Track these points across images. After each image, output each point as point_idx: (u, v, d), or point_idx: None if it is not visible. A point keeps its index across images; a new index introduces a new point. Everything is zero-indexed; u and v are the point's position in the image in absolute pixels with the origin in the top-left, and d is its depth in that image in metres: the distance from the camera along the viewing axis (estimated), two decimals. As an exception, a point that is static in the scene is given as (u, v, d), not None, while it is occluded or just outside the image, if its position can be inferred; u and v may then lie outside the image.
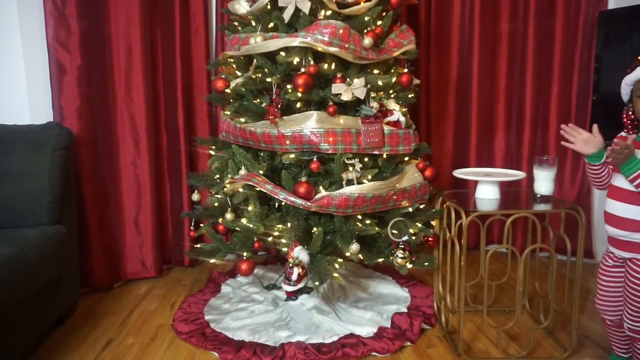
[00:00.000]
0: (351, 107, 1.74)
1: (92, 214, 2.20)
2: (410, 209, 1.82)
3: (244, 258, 1.74)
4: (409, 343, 1.71)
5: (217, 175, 1.95)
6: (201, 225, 2.00)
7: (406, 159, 1.86)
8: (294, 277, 1.62)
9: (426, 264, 1.75)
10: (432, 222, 1.84)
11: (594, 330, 1.81)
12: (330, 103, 1.68)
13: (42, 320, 1.68)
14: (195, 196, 2.08)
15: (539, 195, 1.69)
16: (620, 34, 2.32)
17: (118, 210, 2.31)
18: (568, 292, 1.64)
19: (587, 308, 2.00)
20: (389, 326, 1.78)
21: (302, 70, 1.65)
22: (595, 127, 1.38)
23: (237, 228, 1.77)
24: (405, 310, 1.91)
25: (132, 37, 2.22)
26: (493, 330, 1.78)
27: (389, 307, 1.93)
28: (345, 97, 1.65)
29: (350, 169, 1.68)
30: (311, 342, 1.67)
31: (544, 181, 1.68)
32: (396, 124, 1.76)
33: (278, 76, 1.70)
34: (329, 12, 1.70)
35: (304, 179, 1.66)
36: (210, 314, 1.92)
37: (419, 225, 1.79)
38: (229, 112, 1.91)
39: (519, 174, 1.76)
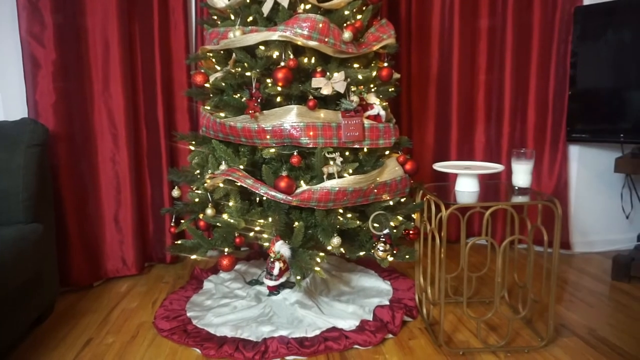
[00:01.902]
0: (331, 101, 1.74)
1: (70, 211, 2.15)
2: (391, 203, 1.83)
3: (226, 253, 1.74)
4: (390, 335, 1.73)
5: (198, 171, 1.93)
6: (182, 221, 1.98)
7: (387, 152, 1.88)
8: (276, 271, 1.62)
9: (407, 256, 1.77)
10: (412, 215, 1.86)
11: (570, 319, 1.85)
12: (311, 97, 1.68)
13: (20, 320, 1.65)
14: (176, 192, 2.06)
15: (517, 188, 1.72)
16: (595, 30, 2.36)
17: (97, 207, 2.27)
18: (545, 283, 1.68)
19: (563, 298, 2.05)
20: (371, 319, 1.79)
21: (282, 64, 1.65)
22: None
23: (218, 224, 1.76)
24: (387, 302, 1.92)
25: (109, 31, 2.18)
26: (473, 321, 1.81)
27: (371, 300, 1.95)
28: (326, 91, 1.65)
29: (331, 162, 1.68)
30: (294, 336, 1.68)
31: (521, 174, 1.71)
32: (376, 117, 1.77)
33: (257, 70, 1.69)
34: (308, 6, 1.70)
35: (284, 174, 1.66)
36: (192, 311, 1.91)
37: (400, 218, 1.80)
38: (208, 107, 1.90)
39: (497, 167, 1.79)
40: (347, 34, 1.68)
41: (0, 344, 1.50)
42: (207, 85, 1.84)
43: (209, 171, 1.79)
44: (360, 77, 1.74)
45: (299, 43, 1.64)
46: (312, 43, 1.63)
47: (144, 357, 1.62)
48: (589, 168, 2.61)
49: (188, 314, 1.88)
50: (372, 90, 1.84)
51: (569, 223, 2.61)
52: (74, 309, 2.02)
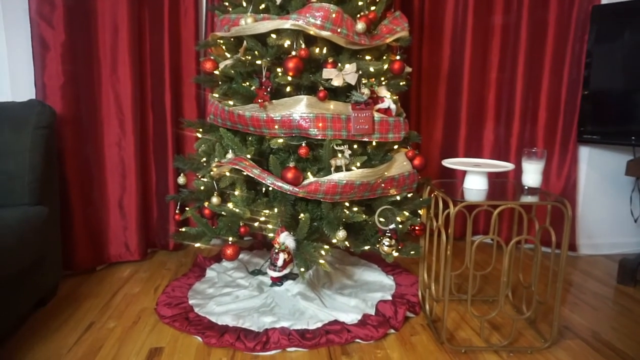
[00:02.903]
0: (342, 93, 1.72)
1: (75, 195, 2.15)
2: (398, 198, 1.81)
3: (230, 243, 1.73)
4: (392, 330, 1.72)
5: (204, 159, 1.92)
6: (187, 208, 1.97)
7: (395, 147, 1.86)
8: (280, 262, 1.61)
9: (412, 252, 1.75)
10: (419, 211, 1.84)
11: (574, 321, 1.83)
12: (321, 88, 1.66)
13: (23, 302, 1.65)
14: (181, 179, 2.05)
15: (526, 187, 1.70)
16: (612, 30, 2.32)
17: (102, 192, 2.27)
18: (551, 284, 1.66)
19: (568, 300, 2.03)
20: (373, 313, 1.78)
21: (293, 53, 1.62)
22: None
23: (223, 212, 1.75)
24: (390, 298, 1.91)
25: (119, 15, 2.15)
26: (476, 319, 1.80)
27: (373, 294, 1.94)
28: (336, 82, 1.63)
29: (339, 155, 1.66)
30: (295, 328, 1.67)
31: (532, 173, 1.69)
32: (387, 111, 1.74)
33: (268, 59, 1.67)
34: (322, -5, 1.67)
35: (292, 164, 1.64)
36: (194, 299, 1.91)
37: (406, 213, 1.79)
38: (217, 95, 1.88)
39: (507, 165, 1.76)
40: (360, 25, 1.65)
41: (3, 325, 1.51)
42: (216, 72, 1.82)
43: (216, 159, 1.78)
44: (371, 69, 1.71)
45: (311, 32, 1.61)
46: (325, 33, 1.61)
47: (145, 343, 1.62)
48: (598, 170, 2.58)
49: (190, 302, 1.88)
50: (383, 83, 1.81)
51: (575, 225, 2.59)
52: (77, 293, 2.02)
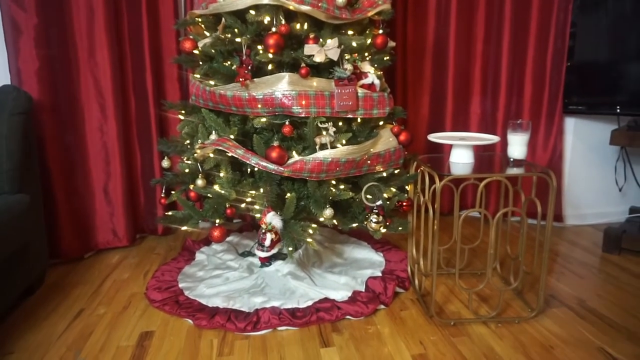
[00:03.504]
0: (324, 69, 1.69)
1: (58, 182, 2.11)
2: (385, 174, 1.81)
3: (217, 225, 1.71)
4: (382, 306, 1.73)
5: (188, 141, 1.89)
6: (172, 192, 1.95)
7: (381, 123, 1.84)
8: (267, 242, 1.61)
9: (400, 228, 1.76)
10: (406, 187, 1.84)
11: (560, 290, 1.86)
12: (303, 65, 1.63)
13: (8, 291, 1.63)
14: (166, 162, 2.02)
15: (512, 160, 1.70)
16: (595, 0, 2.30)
17: (86, 178, 2.23)
18: (537, 255, 1.68)
19: (554, 269, 2.06)
20: (363, 290, 1.79)
21: (273, 30, 1.58)
22: None
23: (208, 195, 1.73)
24: (380, 274, 1.93)
25: (94, -5, 2.09)
26: (464, 292, 1.82)
27: (363, 271, 1.95)
28: (318, 58, 1.60)
29: (324, 133, 1.64)
30: (286, 307, 1.68)
31: (517, 145, 1.69)
32: (370, 86, 1.72)
33: (248, 36, 1.63)
34: (301, -32, 1.62)
35: (276, 144, 1.62)
36: (184, 282, 1.90)
37: (393, 189, 1.78)
38: (198, 75, 1.84)
39: (492, 138, 1.76)
40: (341, -1, 1.62)
41: (-12, 314, 1.49)
42: (195, 52, 1.78)
43: (199, 141, 1.75)
44: (354, 44, 1.68)
45: (291, 8, 1.57)
46: (305, 8, 1.57)
47: (135, 328, 1.62)
48: (583, 141, 2.59)
49: (180, 285, 1.88)
50: (367, 58, 1.78)
51: (562, 196, 2.61)
52: (65, 281, 2.00)
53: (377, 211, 1.67)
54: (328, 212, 1.65)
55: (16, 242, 1.64)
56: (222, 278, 1.92)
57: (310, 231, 1.63)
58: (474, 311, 1.69)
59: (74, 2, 2.08)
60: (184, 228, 1.82)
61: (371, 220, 1.67)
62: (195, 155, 1.74)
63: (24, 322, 1.66)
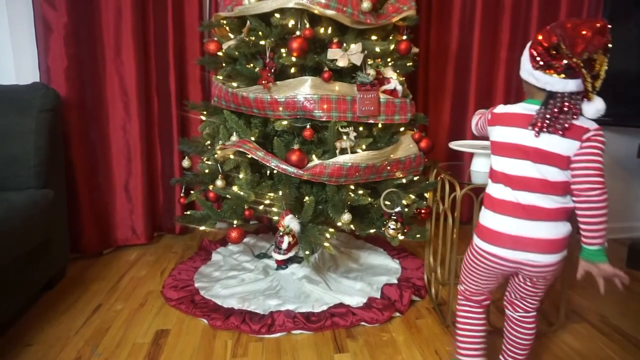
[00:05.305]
0: (347, 74, 1.69)
1: (81, 179, 2.15)
2: (404, 180, 1.79)
3: (235, 226, 1.72)
4: (398, 314, 1.71)
5: (208, 142, 1.91)
6: (192, 192, 1.97)
7: (402, 129, 1.83)
8: (284, 245, 1.61)
9: (418, 236, 1.74)
10: (425, 194, 1.82)
11: (582, 305, 1.82)
12: (326, 69, 1.63)
13: (31, 284, 1.67)
14: (186, 162, 2.04)
15: (535, 170, 1.67)
16: (626, 8, 2.25)
17: (108, 175, 2.27)
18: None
19: (576, 284, 2.01)
20: (379, 297, 1.78)
21: (297, 33, 1.59)
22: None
23: (227, 195, 1.74)
24: (396, 281, 1.91)
25: (122, -4, 2.13)
26: (482, 303, 1.78)
27: (379, 278, 1.93)
28: (341, 63, 1.60)
29: (345, 137, 1.64)
30: (300, 310, 1.67)
31: (540, 155, 1.65)
32: (393, 92, 1.71)
33: (272, 39, 1.64)
34: (326, -27, 1.63)
35: (296, 147, 1.63)
36: (200, 282, 1.92)
37: (412, 196, 1.77)
38: (221, 77, 1.85)
39: (515, 148, 1.72)
40: (366, 4, 1.61)
41: (11, 306, 1.52)
42: (219, 53, 1.79)
43: (220, 142, 1.77)
44: (377, 49, 1.68)
45: (316, 12, 1.58)
46: (330, 12, 1.57)
47: (151, 325, 1.64)
48: (608, 153, 2.50)
49: (196, 285, 1.89)
50: (390, 64, 1.78)
51: (585, 208, 2.55)
52: (84, 276, 2.04)
53: (395, 218, 1.66)
54: (346, 217, 1.64)
55: (40, 236, 1.68)
56: (237, 279, 1.93)
57: (328, 235, 1.63)
58: (491, 323, 1.66)
59: (102, 2, 2.12)
60: (201, 228, 1.83)
61: (389, 227, 1.66)
62: (216, 156, 1.76)
63: (43, 316, 1.69)
